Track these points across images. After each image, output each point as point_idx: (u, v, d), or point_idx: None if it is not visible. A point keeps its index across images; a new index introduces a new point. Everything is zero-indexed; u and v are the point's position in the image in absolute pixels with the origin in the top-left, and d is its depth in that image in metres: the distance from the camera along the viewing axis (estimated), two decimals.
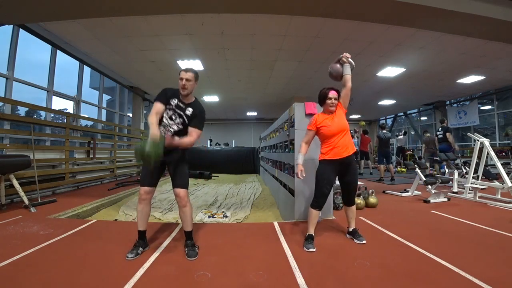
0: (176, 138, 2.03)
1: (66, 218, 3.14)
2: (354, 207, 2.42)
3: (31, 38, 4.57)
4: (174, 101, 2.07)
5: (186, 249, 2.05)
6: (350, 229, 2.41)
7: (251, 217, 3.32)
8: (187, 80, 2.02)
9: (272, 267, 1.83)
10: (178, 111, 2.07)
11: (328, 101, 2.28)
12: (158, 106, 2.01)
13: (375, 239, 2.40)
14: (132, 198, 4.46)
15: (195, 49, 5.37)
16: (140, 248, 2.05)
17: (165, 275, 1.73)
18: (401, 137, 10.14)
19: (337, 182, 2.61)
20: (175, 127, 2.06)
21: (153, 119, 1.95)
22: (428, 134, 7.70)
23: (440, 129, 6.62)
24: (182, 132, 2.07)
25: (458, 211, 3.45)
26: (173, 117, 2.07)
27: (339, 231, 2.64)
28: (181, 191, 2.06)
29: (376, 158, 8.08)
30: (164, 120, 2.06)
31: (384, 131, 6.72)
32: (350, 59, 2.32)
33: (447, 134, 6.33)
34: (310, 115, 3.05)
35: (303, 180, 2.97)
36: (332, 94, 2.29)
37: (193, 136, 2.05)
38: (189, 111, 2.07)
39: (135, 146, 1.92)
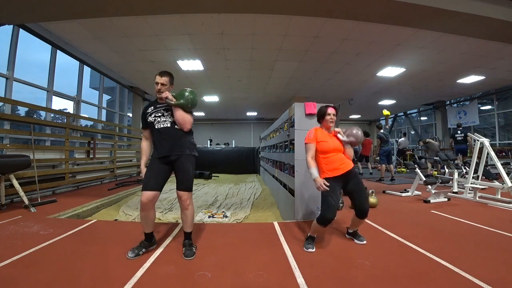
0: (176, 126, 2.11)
1: (66, 218, 3.14)
2: (365, 219, 2.25)
3: (31, 38, 4.57)
4: (151, 108, 2.15)
5: (184, 248, 2.05)
6: (351, 230, 2.40)
7: (251, 217, 3.32)
8: (162, 84, 2.11)
9: (272, 267, 1.83)
10: (161, 108, 2.13)
11: (327, 117, 2.31)
12: (144, 133, 2.23)
13: (375, 239, 2.40)
14: (132, 198, 4.46)
15: (195, 49, 5.37)
16: (143, 249, 2.05)
17: (165, 275, 1.73)
18: (402, 139, 10.09)
19: None
20: (170, 119, 2.10)
21: (143, 146, 2.25)
22: (431, 140, 7.85)
23: (459, 131, 7.46)
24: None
25: (458, 211, 3.45)
26: (160, 113, 2.11)
27: (339, 231, 2.63)
28: (184, 194, 2.05)
29: (377, 158, 8.10)
30: (155, 122, 2.10)
31: (382, 131, 6.78)
32: (344, 138, 2.32)
33: (468, 137, 6.94)
34: (310, 115, 3.05)
35: (303, 180, 2.98)
36: (331, 110, 2.32)
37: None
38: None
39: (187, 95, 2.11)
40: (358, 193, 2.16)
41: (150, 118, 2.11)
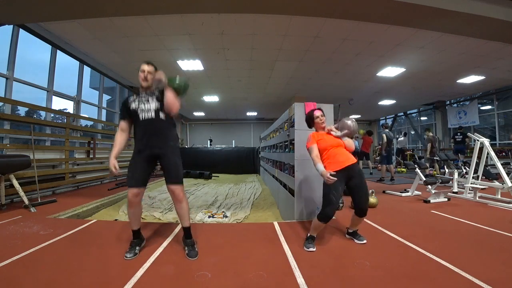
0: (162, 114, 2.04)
1: (66, 218, 3.14)
2: (364, 218, 2.25)
3: (31, 38, 4.57)
4: (132, 97, 2.10)
5: (186, 248, 2.05)
6: (351, 230, 2.40)
7: (251, 217, 3.32)
8: (149, 72, 2.07)
9: (272, 267, 1.83)
10: (144, 97, 2.06)
11: (317, 120, 2.42)
12: (121, 125, 2.10)
13: (375, 239, 2.40)
14: None
15: (195, 49, 5.37)
16: (137, 247, 2.06)
17: (165, 275, 1.73)
18: (401, 138, 10.12)
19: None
20: (154, 107, 2.02)
21: (117, 138, 2.09)
22: (431, 134, 7.75)
23: (459, 133, 8.01)
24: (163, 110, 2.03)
25: (458, 211, 3.45)
26: (145, 101, 2.04)
27: (339, 231, 2.63)
28: (177, 187, 2.03)
29: (377, 158, 8.10)
30: (138, 109, 2.02)
31: (387, 130, 6.77)
32: (338, 133, 2.35)
33: (467, 139, 7.69)
34: None
35: (303, 180, 2.98)
36: (317, 112, 2.44)
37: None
38: (157, 92, 2.07)
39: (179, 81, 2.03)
40: (360, 191, 2.18)
41: (133, 105, 2.04)
